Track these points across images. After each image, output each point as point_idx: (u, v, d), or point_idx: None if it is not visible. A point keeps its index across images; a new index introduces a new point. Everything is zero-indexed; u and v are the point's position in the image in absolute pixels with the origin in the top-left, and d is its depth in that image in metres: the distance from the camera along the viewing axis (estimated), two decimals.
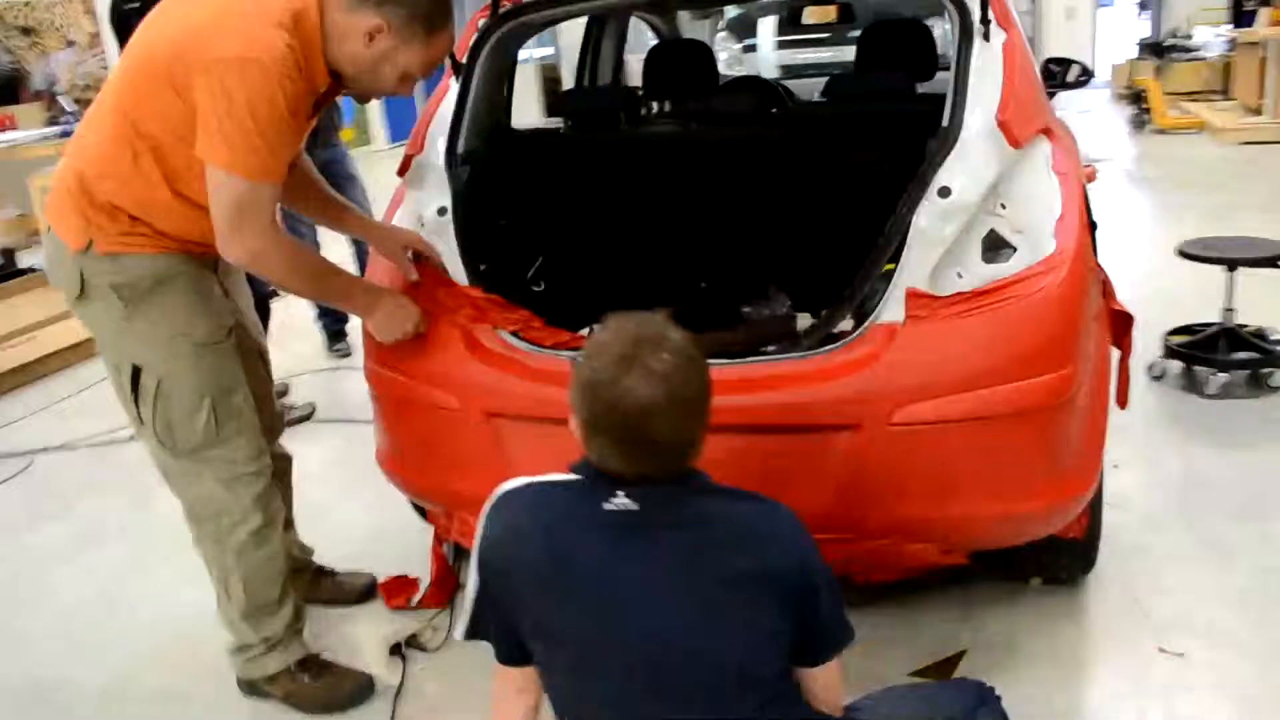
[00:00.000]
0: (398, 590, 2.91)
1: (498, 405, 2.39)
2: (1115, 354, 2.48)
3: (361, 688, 2.51)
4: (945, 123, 2.21)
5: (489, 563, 1.70)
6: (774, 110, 3.48)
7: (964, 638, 2.49)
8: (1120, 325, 2.44)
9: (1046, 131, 2.32)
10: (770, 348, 2.38)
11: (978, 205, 2.15)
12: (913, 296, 2.14)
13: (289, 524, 2.81)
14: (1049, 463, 2.17)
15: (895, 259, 2.18)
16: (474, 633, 1.79)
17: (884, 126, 2.71)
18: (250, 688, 2.54)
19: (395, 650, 2.68)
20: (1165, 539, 2.85)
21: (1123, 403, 2.55)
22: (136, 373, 2.22)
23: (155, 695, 2.62)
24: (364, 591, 2.93)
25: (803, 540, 1.63)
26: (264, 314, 4.06)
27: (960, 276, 2.16)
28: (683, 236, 3.02)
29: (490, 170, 2.74)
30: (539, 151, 3.01)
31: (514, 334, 2.42)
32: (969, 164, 2.16)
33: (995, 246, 2.20)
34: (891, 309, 2.15)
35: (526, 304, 2.70)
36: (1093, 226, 2.33)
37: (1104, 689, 2.30)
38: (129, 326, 2.18)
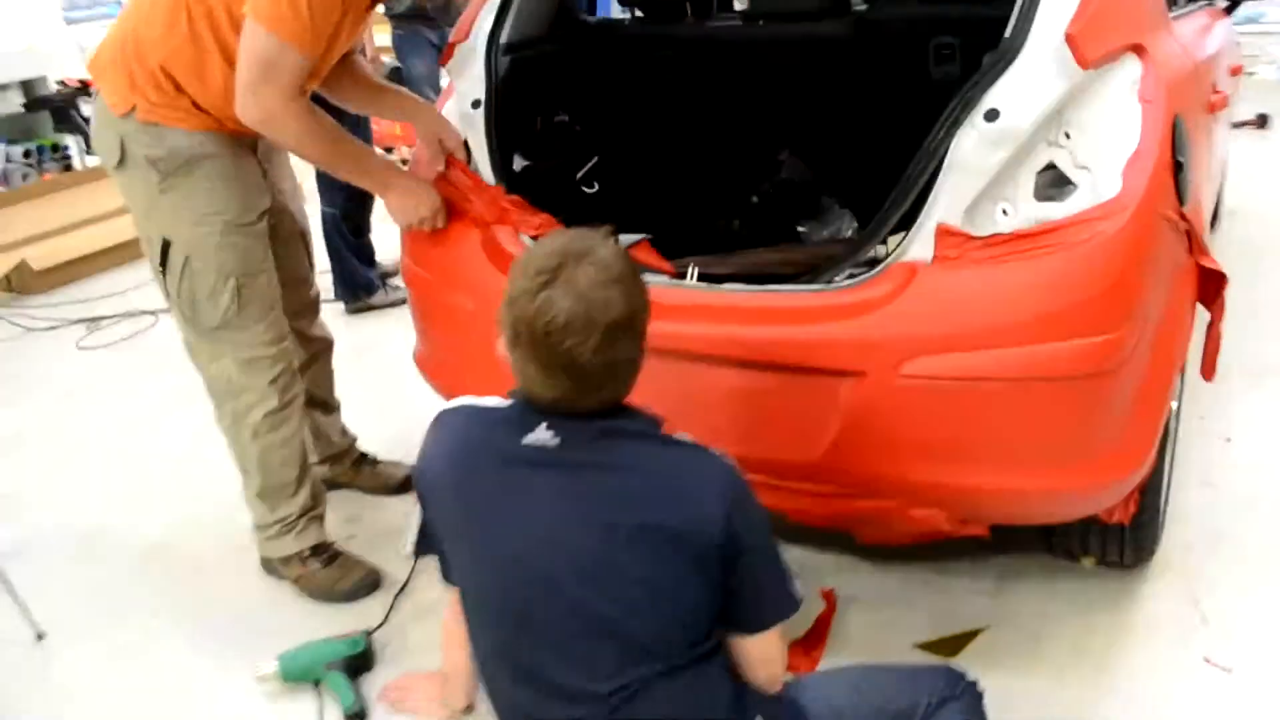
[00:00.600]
0: None
1: None
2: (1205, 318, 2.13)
3: (366, 582, 2.53)
4: (1007, 33, 1.89)
5: (420, 480, 1.63)
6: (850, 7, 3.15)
7: (988, 614, 2.26)
8: (1211, 285, 2.08)
9: (1138, 49, 1.95)
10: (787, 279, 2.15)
11: (1032, 132, 1.85)
12: (943, 234, 1.87)
13: (330, 408, 2.84)
14: (1082, 438, 1.89)
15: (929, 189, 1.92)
16: (421, 549, 1.73)
17: (971, 31, 2.37)
18: (268, 566, 2.61)
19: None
20: (1257, 532, 2.48)
21: (1208, 373, 2.20)
22: (166, 246, 2.25)
23: (187, 560, 2.73)
24: (403, 483, 2.94)
25: (733, 497, 1.47)
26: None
27: (1006, 214, 1.88)
28: (741, 142, 2.79)
29: (544, 61, 2.59)
30: (601, 43, 2.82)
31: (534, 239, 2.29)
32: (1026, 84, 1.84)
33: (1056, 184, 1.90)
34: (918, 246, 1.90)
35: (576, 206, 2.58)
36: (1178, 166, 1.97)
37: (1125, 694, 2.03)
38: (162, 200, 2.21)
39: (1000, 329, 1.83)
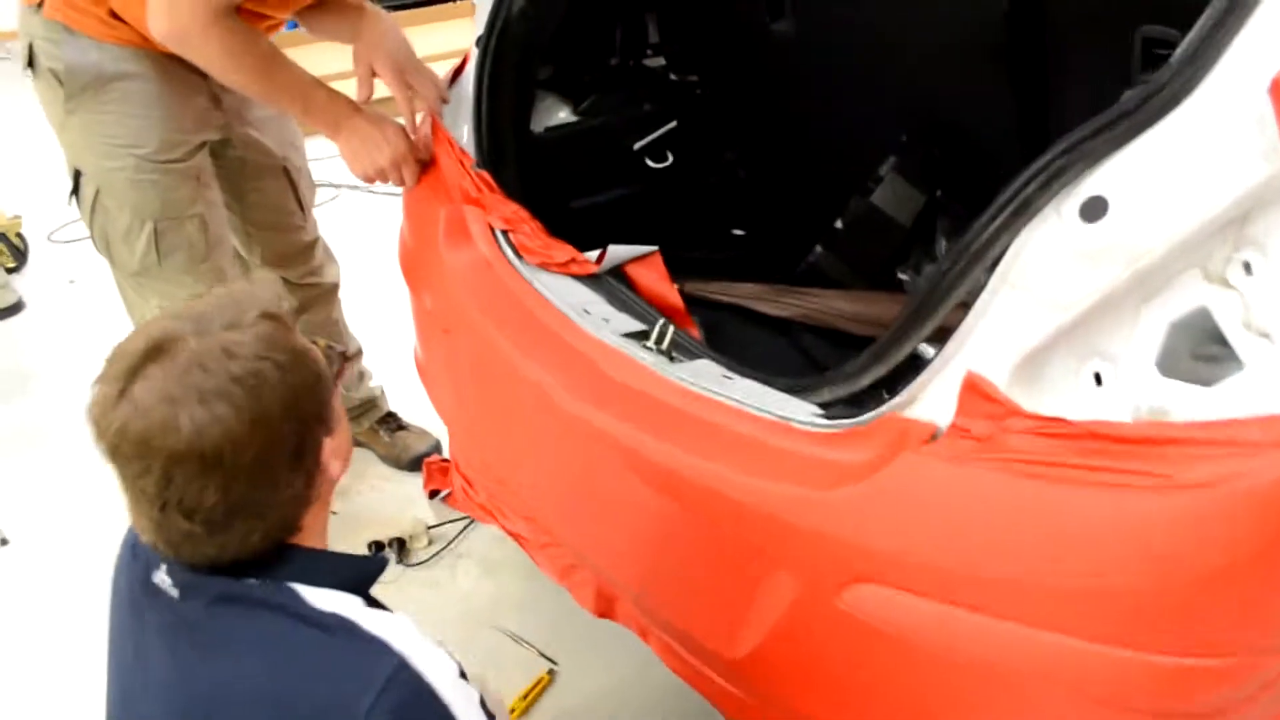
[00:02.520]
0: (439, 474, 2.43)
1: (452, 320, 1.73)
2: None
3: None
4: (1173, 59, 0.99)
5: None
6: None
7: None
8: None
9: None
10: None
11: (1174, 254, 0.98)
12: (972, 392, 1.07)
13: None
14: None
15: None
16: None
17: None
18: None
19: (378, 547, 2.25)
20: None
21: None
22: (77, 176, 1.91)
23: None
24: (415, 461, 2.50)
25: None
26: None
27: (1099, 383, 1.04)
28: (841, 142, 1.97)
29: None
30: None
31: (502, 233, 1.69)
32: (1179, 159, 0.97)
33: (1206, 351, 1.03)
34: (932, 396, 1.12)
35: (627, 179, 1.96)
36: None
37: None
38: (70, 121, 1.85)
39: (1018, 588, 1.04)
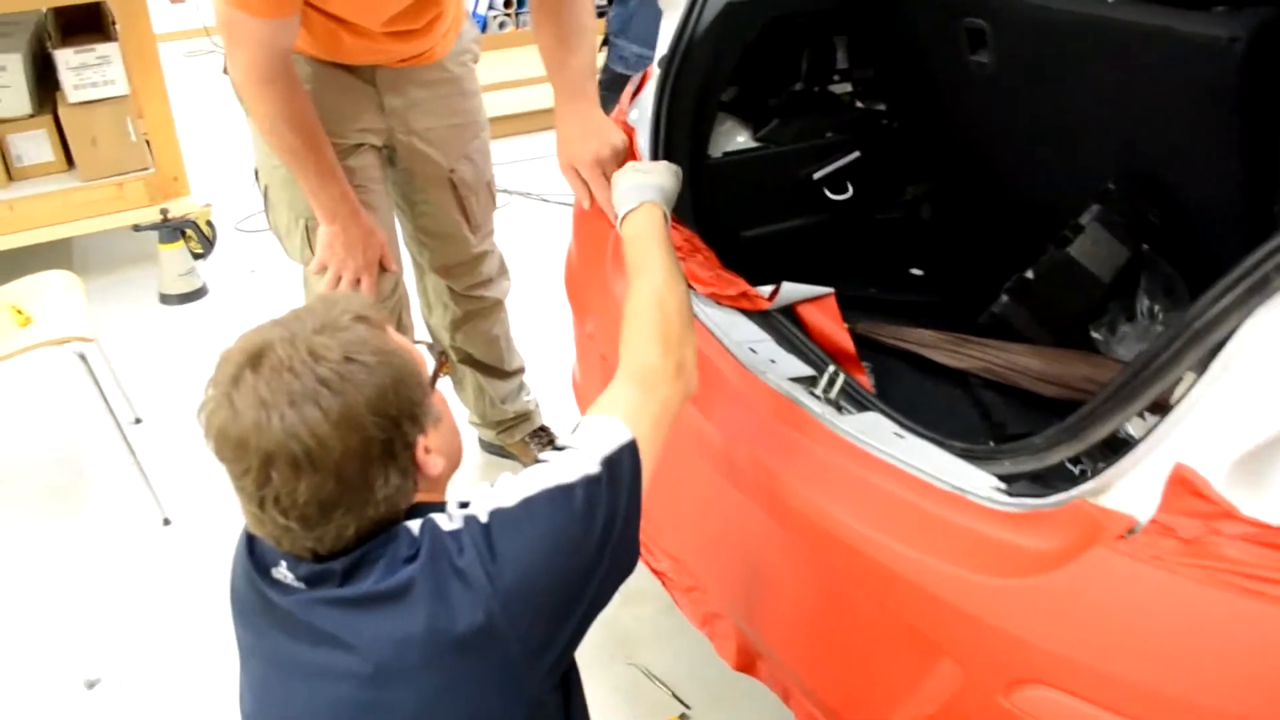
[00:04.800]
0: None
1: (610, 349, 1.70)
2: None
3: None
4: None
5: None
6: None
7: None
8: None
9: None
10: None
11: None
12: (1184, 485, 0.96)
13: (493, 371, 2.44)
14: None
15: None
16: None
17: None
18: None
19: None
20: None
21: None
22: (256, 170, 2.01)
23: None
24: None
25: None
26: None
27: None
28: (1040, 177, 1.83)
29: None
30: None
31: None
32: None
33: None
34: (1131, 486, 1.01)
35: (805, 209, 1.92)
36: None
37: None
38: (249, 119, 1.91)
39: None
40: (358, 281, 1.87)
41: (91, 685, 2.04)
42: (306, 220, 1.93)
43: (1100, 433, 1.07)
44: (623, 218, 1.38)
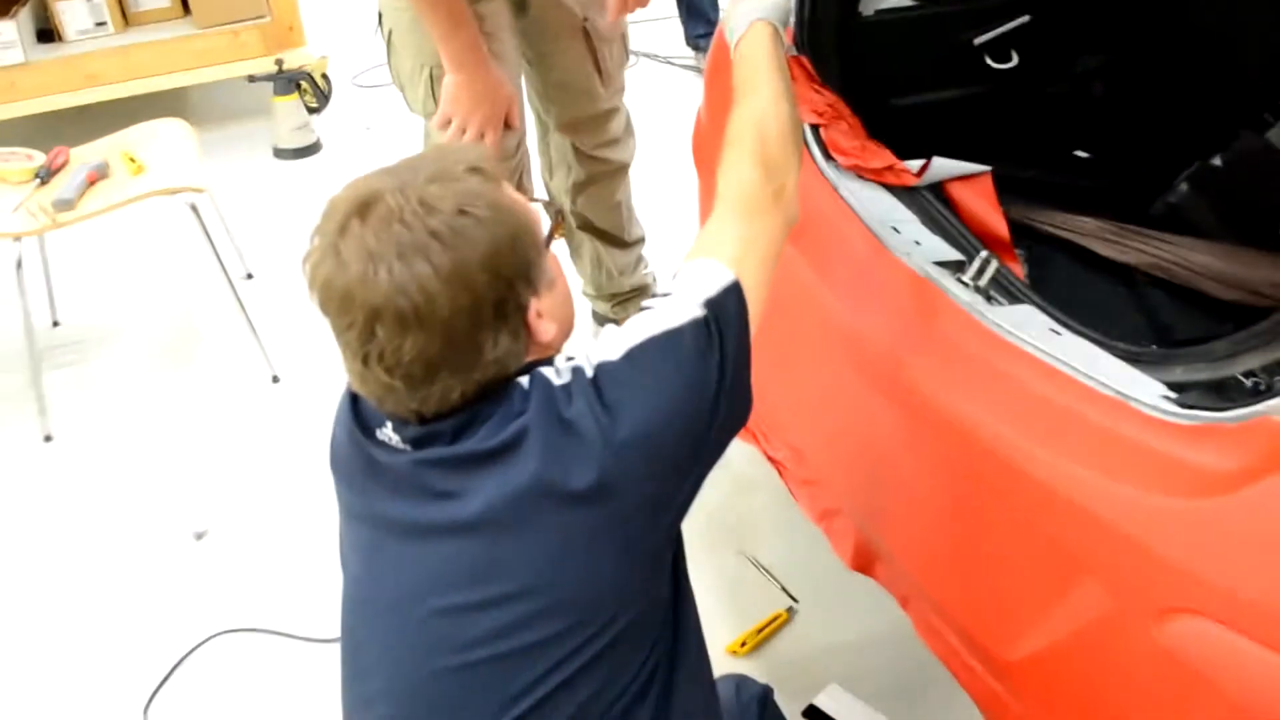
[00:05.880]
0: None
1: None
2: None
3: None
4: None
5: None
6: None
7: None
8: None
9: None
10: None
11: None
12: None
13: (611, 239, 2.40)
14: None
15: None
16: None
17: None
18: None
19: None
20: None
21: None
22: (380, 14, 1.96)
23: None
24: None
25: None
26: None
27: None
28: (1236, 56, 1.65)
29: None
30: None
31: (811, 127, 1.54)
32: None
33: None
34: None
35: (960, 78, 1.78)
36: None
37: None
38: None
39: None
40: (481, 136, 1.81)
41: (200, 536, 2.12)
42: (432, 68, 1.88)
43: None
44: (735, 44, 1.30)
